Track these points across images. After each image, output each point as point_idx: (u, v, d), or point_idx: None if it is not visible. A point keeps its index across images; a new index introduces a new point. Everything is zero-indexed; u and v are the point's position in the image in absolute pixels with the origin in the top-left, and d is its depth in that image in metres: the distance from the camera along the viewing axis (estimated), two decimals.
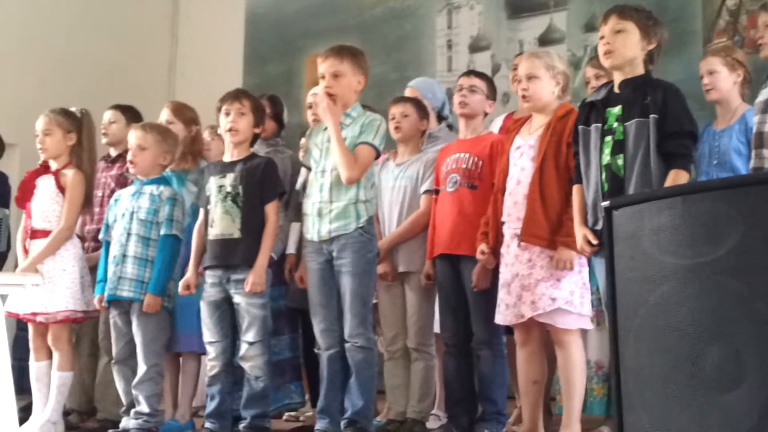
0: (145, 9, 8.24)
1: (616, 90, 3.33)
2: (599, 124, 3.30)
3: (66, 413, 4.40)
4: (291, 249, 4.47)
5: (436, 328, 4.18)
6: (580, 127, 3.38)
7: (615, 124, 3.27)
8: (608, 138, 3.27)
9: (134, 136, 4.22)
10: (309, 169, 3.95)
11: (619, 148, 3.24)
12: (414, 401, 4.15)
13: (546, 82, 3.64)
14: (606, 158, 3.26)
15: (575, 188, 3.40)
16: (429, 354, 4.18)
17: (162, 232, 4.14)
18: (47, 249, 4.17)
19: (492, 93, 4.19)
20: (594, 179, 3.29)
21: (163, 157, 4.24)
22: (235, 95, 4.01)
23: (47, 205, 4.25)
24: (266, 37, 7.87)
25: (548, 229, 3.52)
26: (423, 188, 4.20)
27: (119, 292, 4.10)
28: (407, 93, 4.59)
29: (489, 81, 4.27)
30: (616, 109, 3.29)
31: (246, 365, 3.88)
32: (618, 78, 3.34)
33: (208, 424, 3.92)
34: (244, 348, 3.88)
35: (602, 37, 3.32)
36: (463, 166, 4.00)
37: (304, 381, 4.82)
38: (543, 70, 3.64)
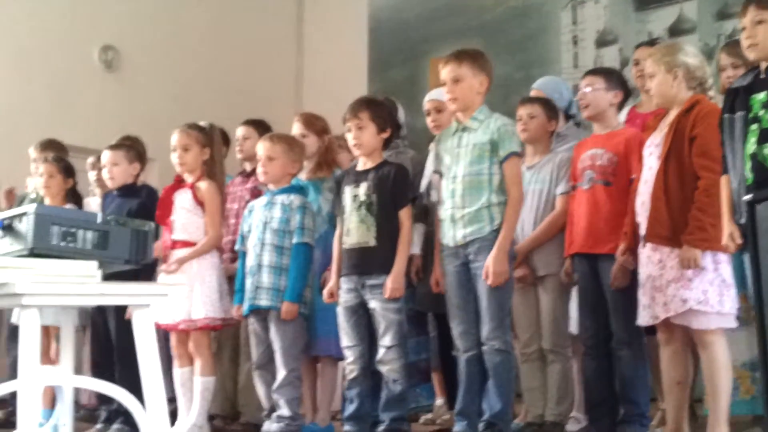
0: (270, 22, 8.45)
1: (762, 75, 3.19)
2: (743, 112, 3.17)
3: (210, 418, 4.53)
4: (415, 250, 4.48)
5: (573, 329, 4.12)
6: (725, 115, 3.26)
7: (761, 112, 3.12)
8: (754, 126, 3.12)
9: (263, 148, 4.32)
10: (440, 174, 3.95)
11: (765, 137, 3.09)
12: (552, 404, 4.10)
13: (662, 77, 3.55)
14: (751, 147, 3.12)
15: (723, 179, 3.27)
16: (565, 355, 4.13)
17: (294, 240, 4.21)
18: (194, 252, 4.31)
19: (613, 83, 4.05)
20: (739, 170, 3.17)
21: (292, 166, 4.32)
22: (352, 110, 4.02)
23: (186, 218, 4.39)
24: (389, 43, 7.94)
25: (673, 228, 3.44)
26: (558, 190, 4.16)
27: (257, 301, 4.20)
28: (532, 95, 4.54)
29: (607, 73, 4.17)
30: (761, 96, 3.13)
31: (384, 369, 3.91)
32: (765, 64, 3.20)
33: (347, 427, 3.97)
34: (381, 352, 3.91)
35: (744, 29, 3.20)
36: (598, 162, 3.94)
37: (438, 383, 4.83)
38: (656, 66, 3.56)
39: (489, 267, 3.67)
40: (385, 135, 4.05)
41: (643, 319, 3.56)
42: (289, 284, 4.17)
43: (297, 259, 4.19)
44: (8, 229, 2.91)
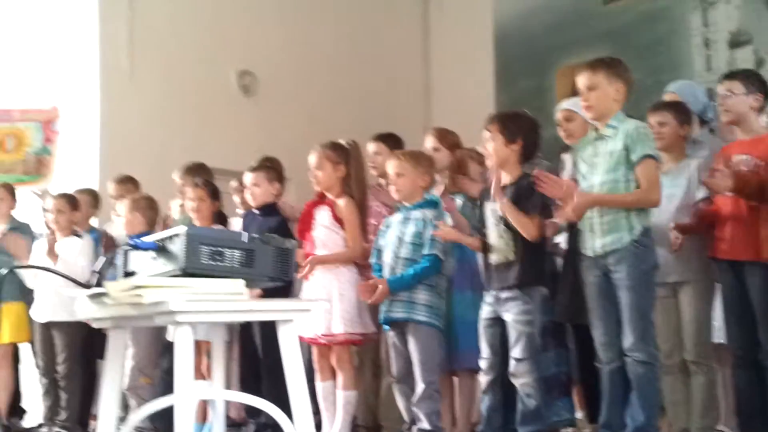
0: (397, 37, 8.56)
1: None
2: None
3: (355, 427, 4.61)
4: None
5: (717, 338, 4.03)
6: None
7: None
8: None
9: (391, 166, 4.40)
10: (576, 182, 3.92)
11: None
12: (697, 417, 4.01)
13: None
14: None
15: None
16: (709, 366, 4.03)
17: (424, 251, 4.24)
18: (333, 256, 4.43)
19: (752, 85, 3.93)
20: None
21: (422, 179, 4.37)
22: (485, 123, 4.05)
23: (325, 235, 4.51)
24: (516, 54, 7.92)
25: None
26: (700, 195, 4.08)
27: (392, 313, 4.26)
28: (667, 98, 4.46)
29: (745, 76, 4.04)
30: None
31: (516, 382, 3.90)
32: None
33: None
34: (512, 364, 3.91)
35: None
36: (744, 168, 3.83)
37: (578, 396, 4.78)
38: None
39: (575, 200, 3.64)
40: (515, 146, 3.99)
41: None
42: (398, 275, 4.21)
43: (421, 265, 4.21)
44: (161, 250, 3.04)
